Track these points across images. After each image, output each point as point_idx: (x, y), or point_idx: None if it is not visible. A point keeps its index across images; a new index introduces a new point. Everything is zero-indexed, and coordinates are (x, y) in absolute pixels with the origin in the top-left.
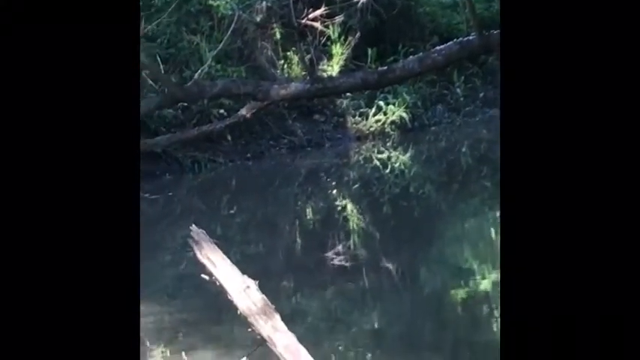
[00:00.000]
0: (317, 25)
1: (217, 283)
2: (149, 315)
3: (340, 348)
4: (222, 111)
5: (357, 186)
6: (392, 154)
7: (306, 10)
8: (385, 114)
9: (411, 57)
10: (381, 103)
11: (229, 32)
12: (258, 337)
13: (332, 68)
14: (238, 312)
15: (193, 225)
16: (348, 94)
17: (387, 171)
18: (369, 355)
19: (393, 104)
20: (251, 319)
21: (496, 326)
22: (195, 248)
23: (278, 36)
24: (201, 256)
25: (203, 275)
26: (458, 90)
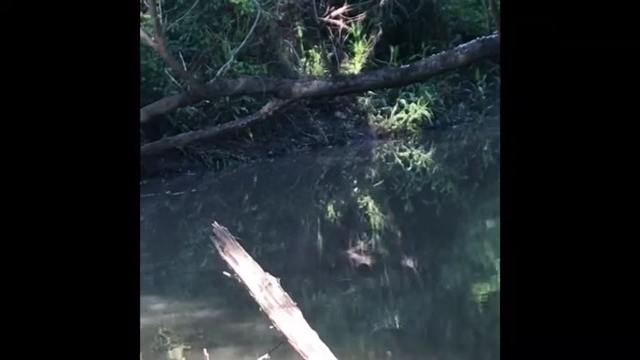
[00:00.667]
0: (339, 22)
1: (239, 280)
2: (170, 312)
3: (361, 346)
4: (244, 108)
5: (378, 184)
6: (414, 152)
7: (328, 8)
8: (407, 112)
9: (433, 55)
10: (403, 101)
11: (251, 30)
12: (280, 334)
13: (354, 66)
14: (260, 309)
15: (215, 222)
16: (370, 91)
17: (409, 169)
18: (390, 353)
19: (415, 102)
20: (272, 317)
21: None
22: (217, 245)
23: (300, 34)
24: (223, 254)
25: (225, 272)
26: (480, 88)
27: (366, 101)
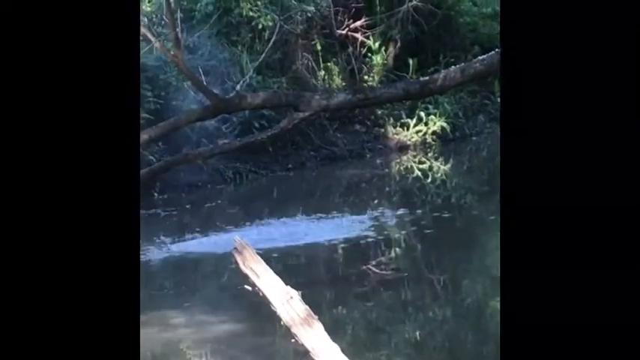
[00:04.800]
0: (358, 35)
1: (260, 294)
2: (192, 326)
3: (383, 359)
4: (263, 122)
5: (398, 196)
6: (433, 165)
7: (346, 21)
8: (426, 124)
9: (452, 67)
10: (422, 113)
11: (270, 43)
12: (302, 348)
13: (373, 79)
14: (281, 322)
15: (236, 236)
16: (389, 104)
17: (429, 181)
18: None
19: (434, 114)
20: (294, 330)
21: None
22: (238, 259)
23: (319, 47)
24: (244, 267)
25: (246, 286)
26: (499, 100)
27: (385, 114)
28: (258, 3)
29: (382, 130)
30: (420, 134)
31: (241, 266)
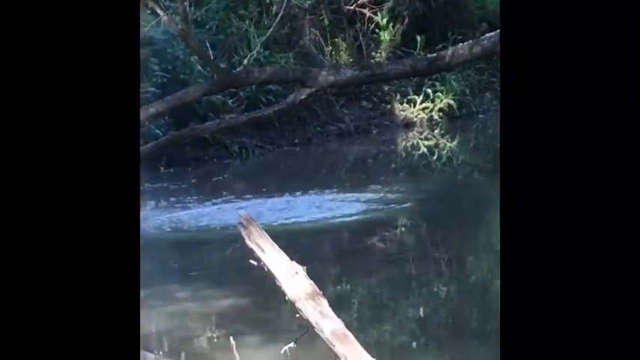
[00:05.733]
0: (365, 11)
1: (265, 269)
2: (196, 300)
3: (387, 334)
4: (270, 97)
5: (404, 173)
6: (439, 142)
7: None
8: (433, 101)
9: (460, 44)
10: (429, 90)
11: (278, 18)
12: (306, 323)
13: (380, 55)
14: (286, 297)
15: (242, 211)
16: (396, 81)
17: (435, 158)
18: (415, 342)
19: (441, 91)
20: (299, 305)
21: None
22: (244, 234)
23: (326, 22)
24: (249, 242)
25: (251, 260)
26: None
27: (391, 90)
28: None
29: (389, 106)
30: (427, 111)
31: (246, 241)
